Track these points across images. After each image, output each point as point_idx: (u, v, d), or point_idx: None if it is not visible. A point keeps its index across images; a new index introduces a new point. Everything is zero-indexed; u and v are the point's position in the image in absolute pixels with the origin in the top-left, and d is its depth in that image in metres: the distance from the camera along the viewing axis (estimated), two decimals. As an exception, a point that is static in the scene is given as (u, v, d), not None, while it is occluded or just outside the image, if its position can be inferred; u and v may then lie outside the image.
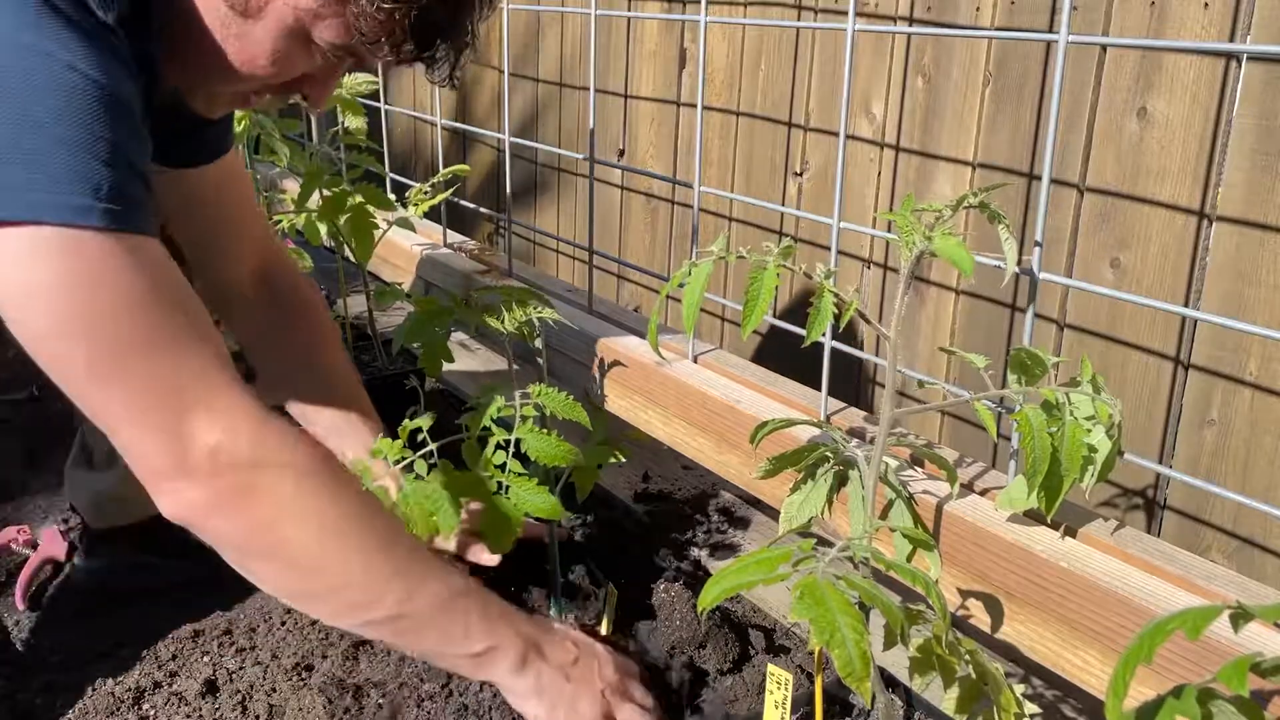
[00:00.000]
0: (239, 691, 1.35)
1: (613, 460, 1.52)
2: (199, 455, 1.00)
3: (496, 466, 1.36)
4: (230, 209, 1.54)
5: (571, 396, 1.41)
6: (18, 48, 0.92)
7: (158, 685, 1.36)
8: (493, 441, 1.37)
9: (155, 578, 1.62)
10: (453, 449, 1.46)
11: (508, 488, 1.34)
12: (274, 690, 1.35)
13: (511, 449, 1.36)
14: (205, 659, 1.42)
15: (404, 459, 1.42)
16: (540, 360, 1.69)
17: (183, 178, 1.46)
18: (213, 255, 1.54)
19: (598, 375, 1.82)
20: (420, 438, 1.44)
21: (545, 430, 1.37)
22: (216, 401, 1.01)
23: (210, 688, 1.36)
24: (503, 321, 1.49)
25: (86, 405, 1.01)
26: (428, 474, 1.40)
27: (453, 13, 1.11)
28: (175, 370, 1.00)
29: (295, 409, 1.56)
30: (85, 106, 0.95)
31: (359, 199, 1.93)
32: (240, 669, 1.40)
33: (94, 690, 1.36)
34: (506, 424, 1.37)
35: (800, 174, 2.17)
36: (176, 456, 1.00)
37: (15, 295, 0.96)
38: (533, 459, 1.36)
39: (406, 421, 1.46)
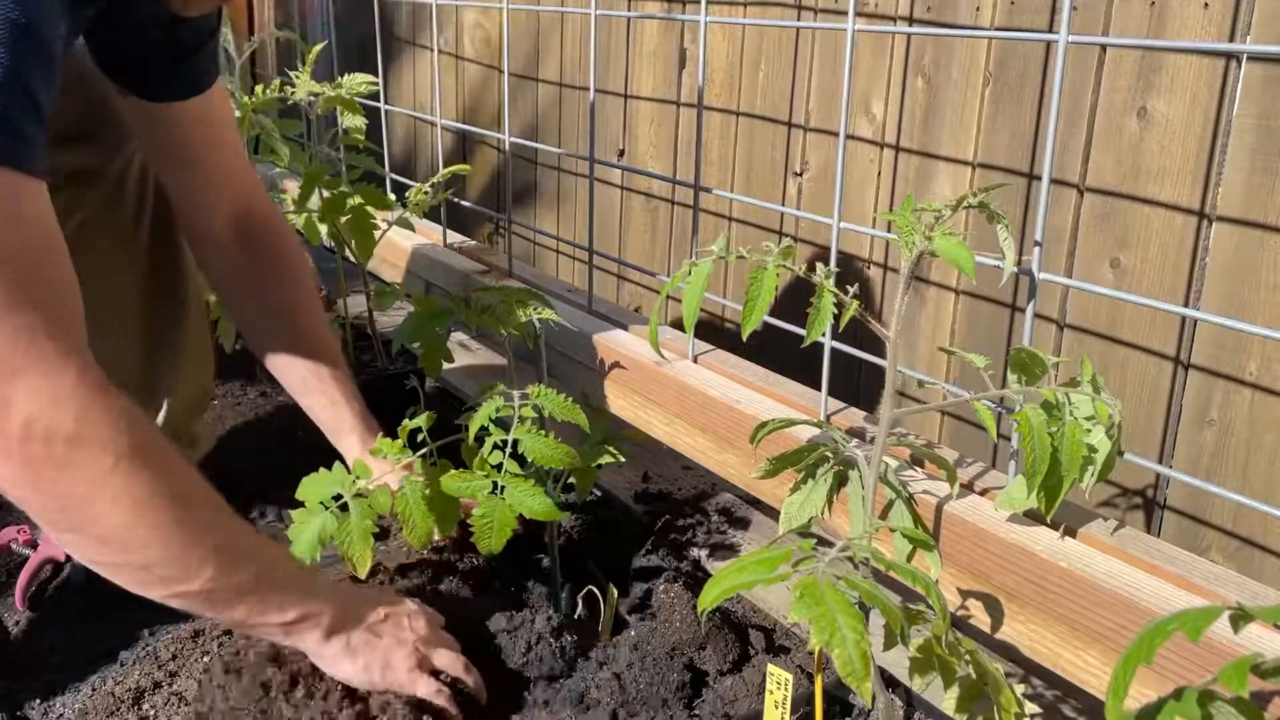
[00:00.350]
0: (239, 692, 1.35)
1: (611, 460, 1.52)
2: (13, 425, 0.94)
3: (493, 466, 1.36)
4: (208, 149, 1.52)
5: (570, 398, 1.41)
6: None
7: (158, 685, 1.36)
8: (490, 441, 1.37)
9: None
10: (453, 449, 1.46)
11: (503, 488, 1.34)
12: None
13: (509, 449, 1.35)
14: (205, 659, 1.42)
15: (403, 458, 1.42)
16: (547, 362, 1.69)
17: (160, 111, 1.43)
18: (188, 193, 1.53)
19: (598, 375, 1.82)
20: (420, 437, 1.44)
21: (544, 432, 1.37)
22: (46, 371, 0.95)
23: (210, 688, 1.36)
24: (502, 323, 1.49)
25: None
26: (425, 472, 1.40)
27: None
28: (18, 330, 0.94)
29: (268, 360, 1.57)
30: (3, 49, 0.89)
31: (358, 199, 1.93)
32: (240, 669, 1.40)
33: (94, 690, 1.36)
34: (505, 424, 1.37)
35: (800, 174, 2.17)
36: None
37: None
38: (530, 460, 1.36)
39: (406, 421, 1.46)
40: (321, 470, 1.43)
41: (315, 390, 1.56)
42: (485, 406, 1.38)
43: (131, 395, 1.56)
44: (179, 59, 1.39)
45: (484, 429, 1.38)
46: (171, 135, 1.49)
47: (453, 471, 1.37)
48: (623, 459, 1.51)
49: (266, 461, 2.05)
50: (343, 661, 1.19)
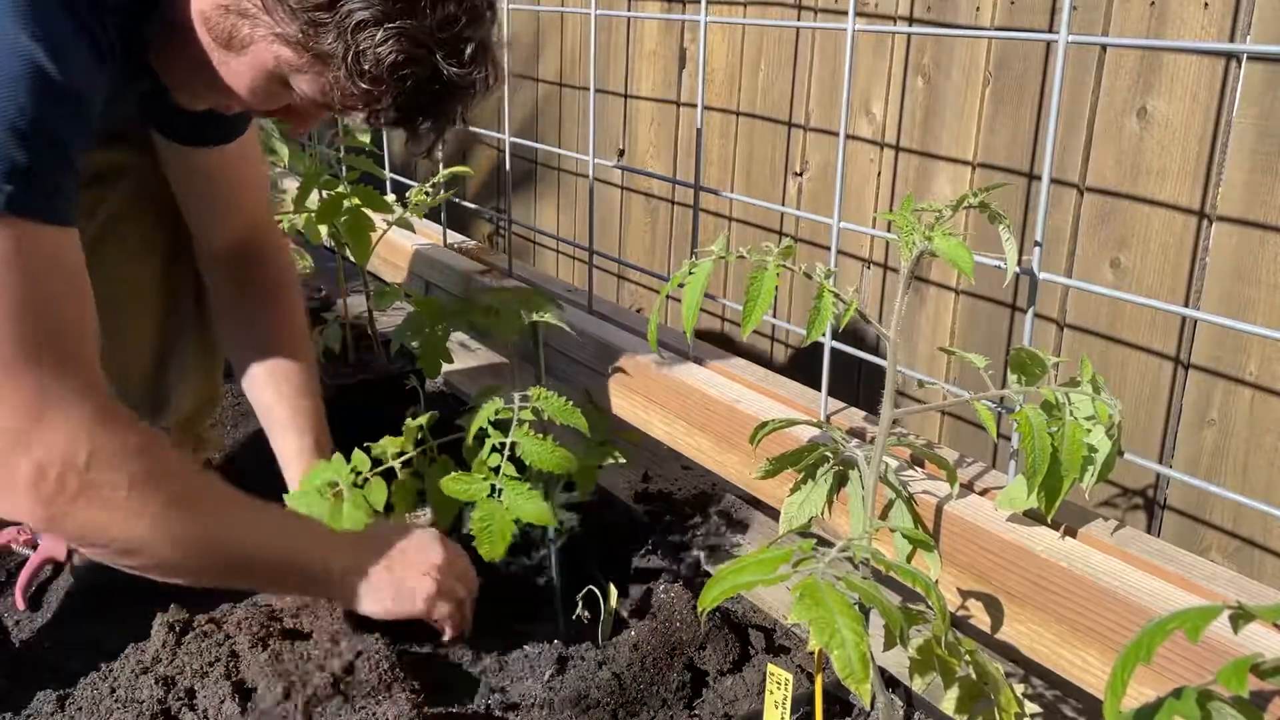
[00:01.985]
0: (239, 692, 1.35)
1: (613, 461, 1.52)
2: (29, 468, 1.02)
3: (491, 469, 1.36)
4: (228, 187, 1.55)
5: (570, 400, 1.41)
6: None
7: (157, 684, 1.36)
8: (488, 444, 1.37)
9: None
10: (453, 447, 1.46)
11: (501, 491, 1.34)
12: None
13: (507, 452, 1.35)
14: (204, 657, 1.42)
15: (405, 454, 1.42)
16: (547, 362, 1.69)
17: (189, 153, 1.48)
18: (196, 215, 1.56)
19: (597, 375, 1.82)
20: (419, 434, 1.44)
21: (542, 435, 1.37)
22: (64, 414, 1.03)
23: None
24: (503, 325, 1.49)
25: None
26: (430, 470, 1.41)
27: (437, 99, 1.11)
28: (35, 372, 1.01)
29: (250, 396, 1.58)
30: (34, 101, 0.95)
31: (356, 201, 1.93)
32: (240, 669, 1.40)
33: (94, 690, 1.36)
34: (504, 426, 1.37)
35: (800, 174, 2.17)
36: (12, 464, 1.01)
37: None
38: (527, 464, 1.35)
39: (410, 421, 1.46)
40: (322, 461, 1.44)
41: (277, 434, 1.57)
42: (485, 408, 1.38)
43: (143, 394, 1.57)
44: (208, 121, 1.39)
45: (483, 430, 1.38)
46: (197, 172, 1.52)
47: (453, 474, 1.37)
48: (623, 460, 1.51)
49: (266, 461, 2.05)
50: (367, 601, 1.29)
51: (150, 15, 1.10)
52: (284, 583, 1.32)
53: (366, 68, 1.04)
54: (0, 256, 0.97)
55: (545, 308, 1.57)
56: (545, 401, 1.39)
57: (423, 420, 1.45)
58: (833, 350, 1.46)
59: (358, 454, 1.43)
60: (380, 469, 1.42)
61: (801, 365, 1.76)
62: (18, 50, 0.94)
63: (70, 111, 1.01)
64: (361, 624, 1.36)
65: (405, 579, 1.31)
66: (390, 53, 1.03)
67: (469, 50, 1.09)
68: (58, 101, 0.98)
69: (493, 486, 1.34)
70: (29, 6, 0.95)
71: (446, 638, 1.38)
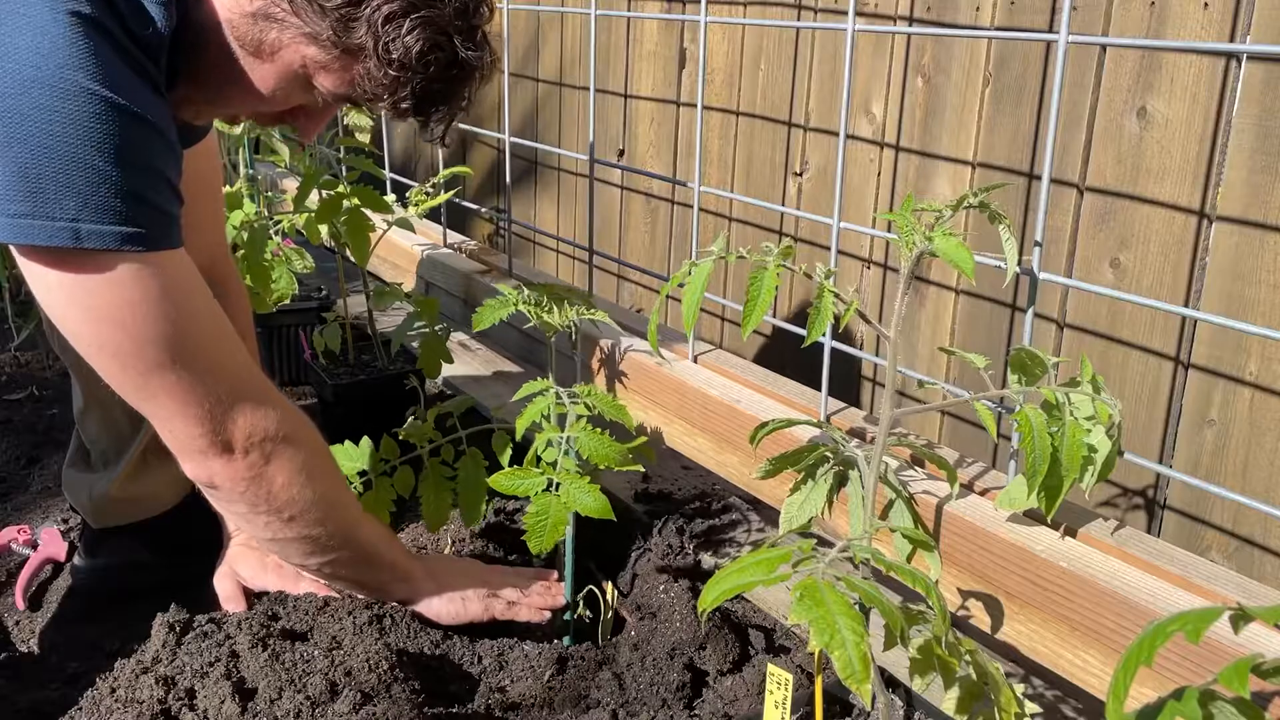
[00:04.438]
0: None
1: (647, 458, 1.53)
2: (239, 435, 1.20)
3: (549, 464, 1.34)
4: (191, 201, 1.55)
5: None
6: (59, 89, 0.99)
7: (156, 684, 1.36)
8: (542, 438, 1.36)
9: (156, 577, 1.62)
10: (474, 440, 1.49)
11: (559, 485, 1.33)
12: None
13: (563, 447, 1.35)
14: (203, 656, 1.42)
15: (435, 442, 1.48)
16: (557, 360, 1.69)
17: None
18: None
19: (598, 375, 1.82)
20: (450, 422, 1.48)
21: (599, 430, 1.37)
22: (249, 394, 1.21)
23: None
24: (549, 320, 1.49)
25: (140, 404, 1.17)
26: (462, 463, 1.46)
27: (452, 84, 1.18)
28: (216, 369, 1.18)
29: None
30: (128, 139, 1.03)
31: (355, 201, 1.93)
32: (240, 669, 1.40)
33: (94, 690, 1.36)
34: (559, 421, 1.39)
35: (800, 174, 2.17)
36: (215, 439, 1.19)
37: (74, 318, 1.10)
38: (584, 457, 1.36)
39: (411, 417, 1.47)
40: (348, 444, 1.50)
41: None
42: (535, 403, 1.38)
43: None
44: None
45: (534, 424, 1.38)
46: None
47: (507, 470, 1.36)
48: (651, 460, 1.52)
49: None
50: (432, 605, 1.44)
51: (180, 44, 1.14)
52: (379, 576, 1.42)
53: (395, 57, 1.10)
54: (154, 287, 1.09)
55: (584, 304, 1.56)
56: (596, 397, 1.40)
57: (450, 406, 1.48)
58: (833, 350, 1.46)
59: (387, 441, 1.46)
60: (409, 456, 1.48)
61: (802, 365, 1.76)
62: (96, 98, 1.01)
63: (164, 145, 1.09)
64: (428, 624, 1.46)
65: (462, 588, 1.46)
66: (417, 41, 1.10)
67: (479, 35, 1.18)
68: (149, 137, 1.06)
69: (549, 480, 1.33)
70: (93, 60, 1.00)
71: (532, 619, 1.48)
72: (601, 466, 1.36)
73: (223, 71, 1.16)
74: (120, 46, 1.03)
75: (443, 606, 1.44)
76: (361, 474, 1.49)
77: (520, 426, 1.38)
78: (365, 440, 1.48)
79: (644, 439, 1.43)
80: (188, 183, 1.49)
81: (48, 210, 1.01)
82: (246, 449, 1.21)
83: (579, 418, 1.37)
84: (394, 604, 1.43)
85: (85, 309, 1.08)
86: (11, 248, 1.06)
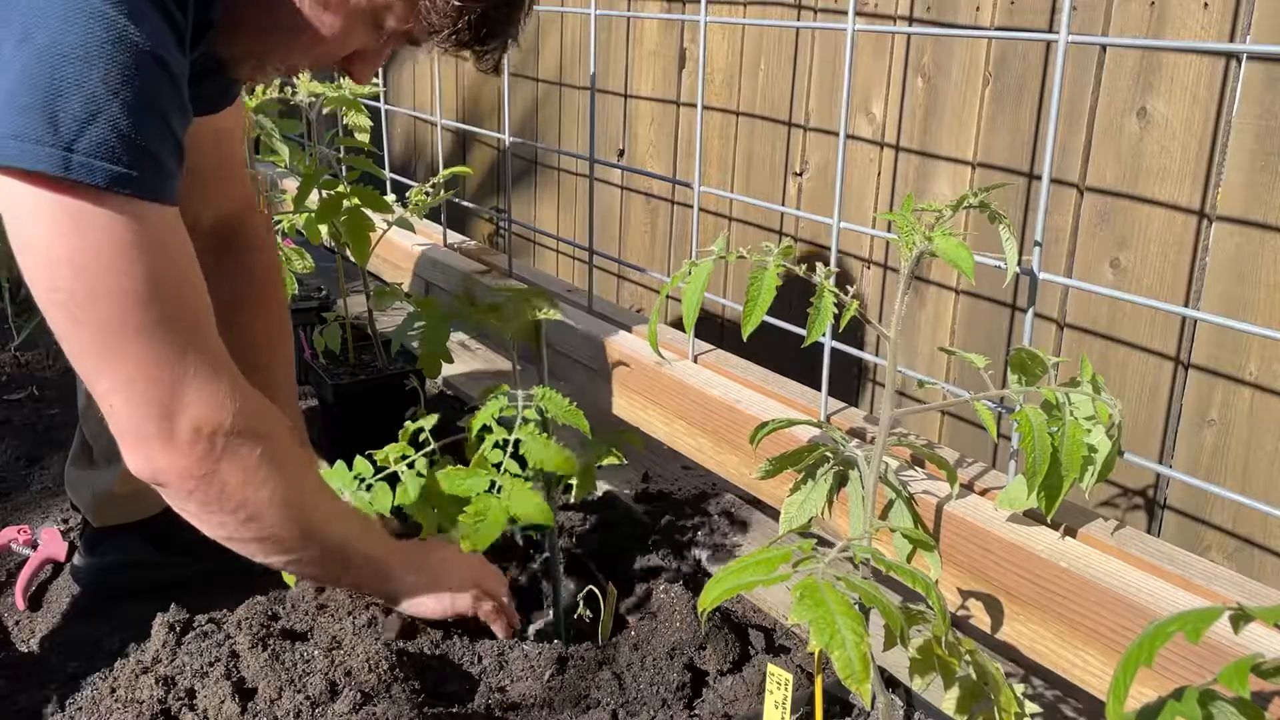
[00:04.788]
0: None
1: (615, 460, 1.52)
2: (185, 428, 1.09)
3: (493, 465, 1.35)
4: (212, 160, 1.52)
5: (572, 400, 1.41)
6: (83, 7, 0.94)
7: (157, 683, 1.36)
8: (490, 440, 1.36)
9: (156, 575, 1.62)
10: (453, 450, 1.46)
11: (500, 487, 1.34)
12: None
13: (510, 449, 1.35)
14: (202, 656, 1.42)
15: (408, 458, 1.42)
16: (561, 364, 1.68)
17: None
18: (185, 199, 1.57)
19: (598, 375, 1.82)
20: (422, 437, 1.44)
21: (546, 435, 1.37)
22: (207, 381, 1.10)
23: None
24: (505, 323, 1.48)
25: (85, 368, 1.08)
26: (427, 472, 1.41)
27: (510, 10, 1.19)
28: (178, 346, 1.07)
29: None
30: (142, 80, 0.97)
31: (355, 201, 1.93)
32: (240, 669, 1.40)
33: (94, 690, 1.36)
34: (508, 424, 1.37)
35: (800, 174, 2.17)
36: (161, 424, 1.09)
37: (35, 253, 1.01)
38: (530, 464, 1.35)
39: (408, 423, 1.46)
40: (324, 467, 1.44)
41: None
42: (489, 405, 1.38)
43: None
44: (208, 91, 1.40)
45: (486, 427, 1.38)
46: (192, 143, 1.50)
47: (449, 469, 1.37)
48: (624, 461, 1.51)
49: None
50: (417, 601, 1.41)
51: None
52: (352, 573, 1.37)
53: None
54: (129, 239, 1.01)
55: (547, 305, 1.57)
56: (548, 401, 1.38)
57: (424, 423, 1.45)
58: (833, 350, 1.46)
59: (360, 461, 1.43)
60: (384, 474, 1.42)
61: (802, 365, 1.76)
62: (115, 25, 0.95)
63: (176, 97, 1.03)
64: (409, 622, 1.44)
65: (450, 584, 1.42)
66: None
67: None
68: (163, 84, 1.00)
69: (492, 483, 1.34)
70: None
71: (501, 635, 1.46)
72: (548, 470, 1.36)
73: (288, 21, 1.14)
74: None
75: (428, 604, 1.41)
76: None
77: (473, 429, 1.39)
78: (340, 463, 1.45)
79: (623, 438, 1.42)
80: (214, 134, 1.47)
81: (43, 132, 0.94)
82: (194, 441, 1.10)
83: (526, 422, 1.37)
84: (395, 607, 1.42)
85: (52, 245, 1.00)
86: None
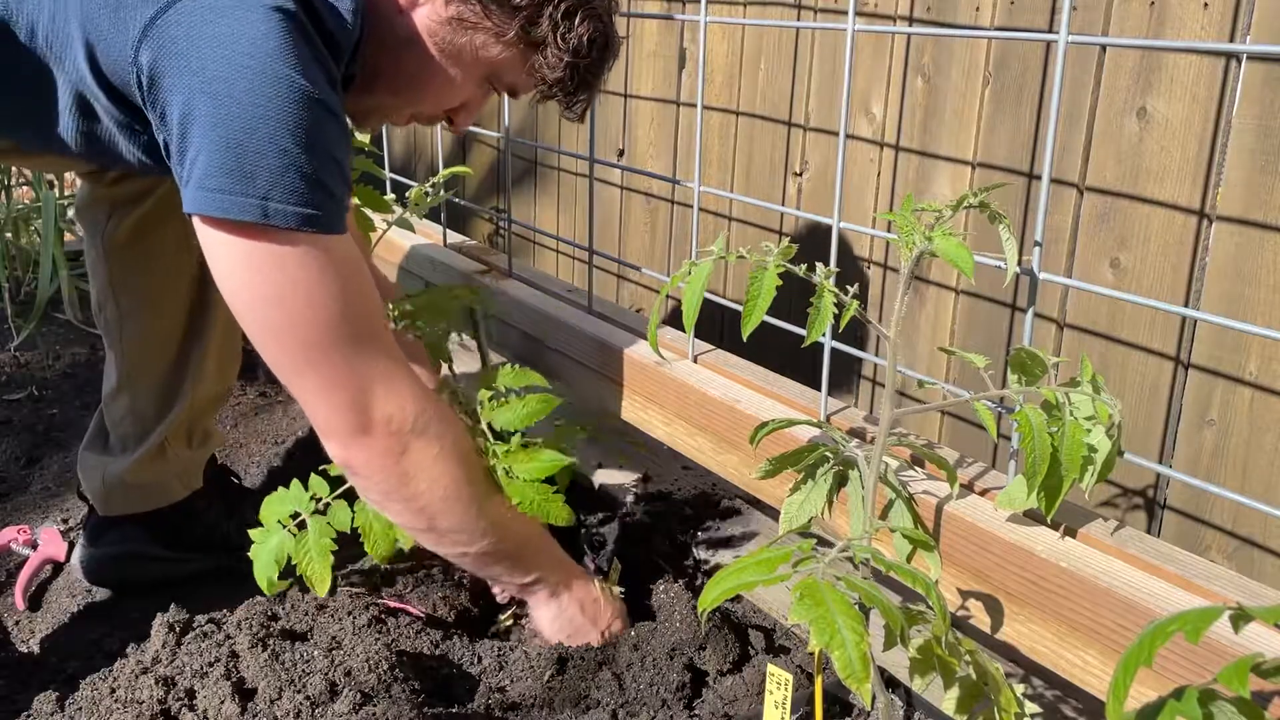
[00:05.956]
0: (239, 692, 1.35)
1: (582, 434, 1.61)
2: (379, 419, 1.23)
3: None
4: None
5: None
6: (267, 76, 1.08)
7: (157, 683, 1.36)
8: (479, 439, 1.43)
9: (156, 570, 1.62)
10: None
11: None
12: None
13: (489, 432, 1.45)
14: (201, 656, 1.42)
15: None
16: (548, 363, 1.69)
17: None
18: None
19: (597, 375, 1.82)
20: None
21: (503, 400, 1.48)
22: (393, 382, 1.24)
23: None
24: (434, 313, 1.58)
25: (285, 376, 1.22)
26: None
27: (605, 64, 1.32)
28: (367, 355, 1.22)
29: None
30: (317, 128, 1.11)
31: (355, 200, 1.93)
32: (240, 669, 1.40)
33: (94, 690, 1.36)
34: (473, 416, 1.48)
35: (800, 174, 2.17)
36: (357, 421, 1.23)
37: (239, 287, 1.16)
38: (498, 428, 1.45)
39: None
40: (280, 489, 1.43)
41: None
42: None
43: (163, 379, 1.63)
44: None
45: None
46: None
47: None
48: (585, 434, 1.58)
49: (262, 460, 2.05)
50: (547, 619, 1.46)
51: (367, 53, 1.24)
52: (516, 574, 1.43)
53: (571, 45, 1.24)
54: (319, 270, 1.15)
55: (482, 296, 1.63)
56: (495, 378, 1.50)
57: None
58: (833, 350, 1.46)
59: (314, 478, 1.42)
60: (341, 490, 1.42)
61: (802, 365, 1.76)
62: (295, 86, 1.09)
63: (342, 136, 1.17)
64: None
65: (585, 624, 1.46)
66: (588, 30, 1.25)
67: (615, 18, 1.32)
68: (333, 128, 1.14)
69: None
70: (294, 53, 1.09)
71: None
72: (512, 429, 1.47)
73: (422, 77, 1.27)
74: (314, 44, 1.13)
75: (552, 627, 1.46)
76: (294, 515, 1.41)
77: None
78: (295, 482, 1.44)
79: (561, 463, 1.47)
80: None
81: (243, 187, 1.08)
82: (383, 436, 1.24)
83: (483, 403, 1.48)
84: (395, 607, 1.43)
85: (257, 282, 1.15)
86: (194, 218, 1.14)
